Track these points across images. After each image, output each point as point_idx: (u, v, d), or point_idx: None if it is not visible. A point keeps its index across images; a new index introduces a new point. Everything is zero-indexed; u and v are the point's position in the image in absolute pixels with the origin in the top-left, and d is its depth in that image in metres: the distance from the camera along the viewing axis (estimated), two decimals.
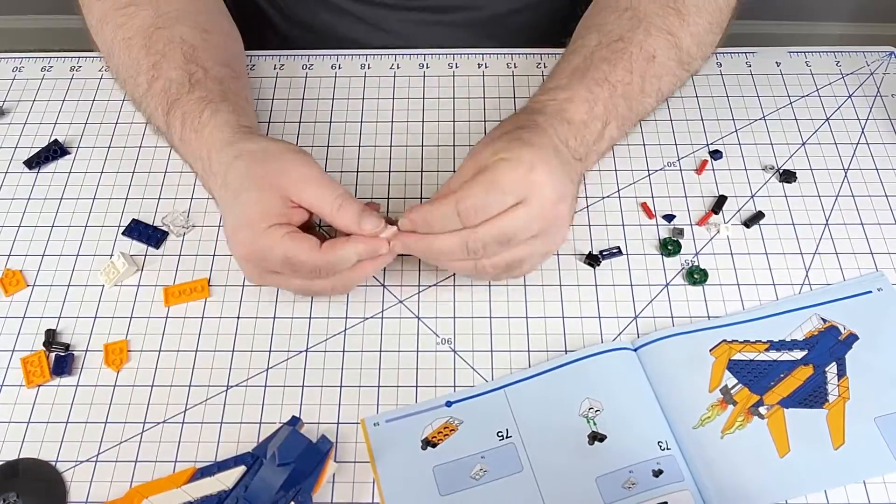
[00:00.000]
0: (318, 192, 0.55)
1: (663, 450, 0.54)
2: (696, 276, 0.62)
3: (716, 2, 0.66)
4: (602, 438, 0.54)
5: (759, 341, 0.59)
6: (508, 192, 0.52)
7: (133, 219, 0.66)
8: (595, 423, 0.55)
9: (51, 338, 0.60)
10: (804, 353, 0.58)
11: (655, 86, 0.63)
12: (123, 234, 0.65)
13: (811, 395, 0.56)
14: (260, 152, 0.56)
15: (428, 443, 0.55)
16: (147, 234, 0.65)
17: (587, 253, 0.64)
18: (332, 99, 0.74)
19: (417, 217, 0.54)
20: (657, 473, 0.53)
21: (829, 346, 0.58)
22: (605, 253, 0.64)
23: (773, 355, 0.58)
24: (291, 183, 0.54)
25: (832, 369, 0.57)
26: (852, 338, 0.59)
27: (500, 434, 0.55)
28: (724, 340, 0.59)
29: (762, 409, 0.56)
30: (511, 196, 0.52)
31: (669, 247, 0.64)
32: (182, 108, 0.60)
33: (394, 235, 0.55)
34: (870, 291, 0.61)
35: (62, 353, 0.59)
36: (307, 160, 0.56)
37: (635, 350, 0.59)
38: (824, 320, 0.60)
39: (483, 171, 0.53)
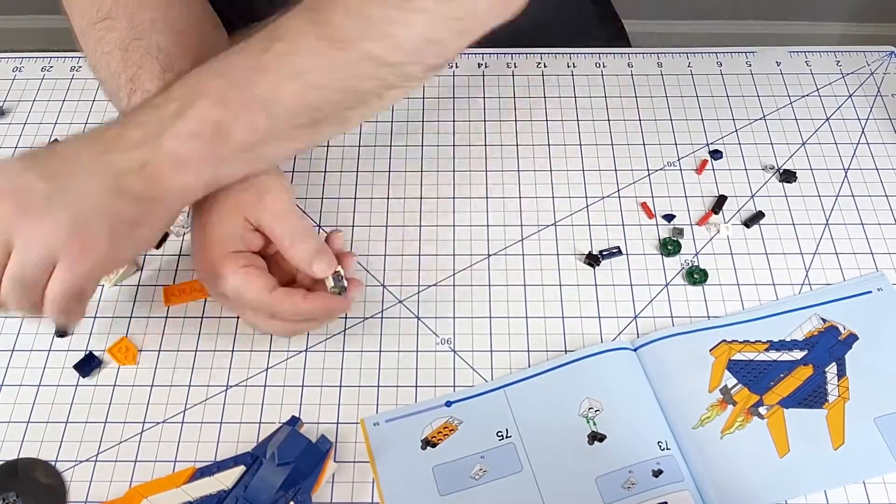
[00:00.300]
0: (276, 224, 0.54)
1: (663, 450, 0.54)
2: (695, 276, 0.62)
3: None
4: (602, 438, 0.54)
5: (759, 341, 0.59)
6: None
7: None
8: (595, 423, 0.55)
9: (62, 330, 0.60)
10: (804, 353, 0.58)
11: (285, 64, 0.52)
12: None
13: (811, 396, 0.56)
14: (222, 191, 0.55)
15: (428, 443, 0.55)
16: None
17: (587, 253, 0.64)
18: None
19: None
20: (657, 473, 0.53)
21: (829, 346, 0.58)
22: (604, 253, 0.64)
23: (773, 355, 0.58)
24: (252, 207, 0.54)
25: (832, 369, 0.57)
26: (852, 338, 0.59)
27: (499, 434, 0.55)
28: (724, 340, 0.59)
29: (762, 410, 0.56)
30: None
31: (669, 247, 0.64)
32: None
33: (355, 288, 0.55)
34: (870, 291, 0.61)
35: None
36: (273, 186, 0.55)
37: (635, 350, 0.59)
38: (824, 320, 0.60)
39: None
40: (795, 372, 0.57)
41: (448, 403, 0.57)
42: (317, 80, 0.52)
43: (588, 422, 0.55)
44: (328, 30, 0.51)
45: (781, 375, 0.57)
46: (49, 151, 0.53)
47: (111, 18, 0.64)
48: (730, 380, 0.57)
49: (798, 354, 0.58)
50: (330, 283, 0.55)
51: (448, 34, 0.53)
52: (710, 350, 0.58)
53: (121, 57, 0.62)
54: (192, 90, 0.52)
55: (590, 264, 0.63)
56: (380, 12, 0.52)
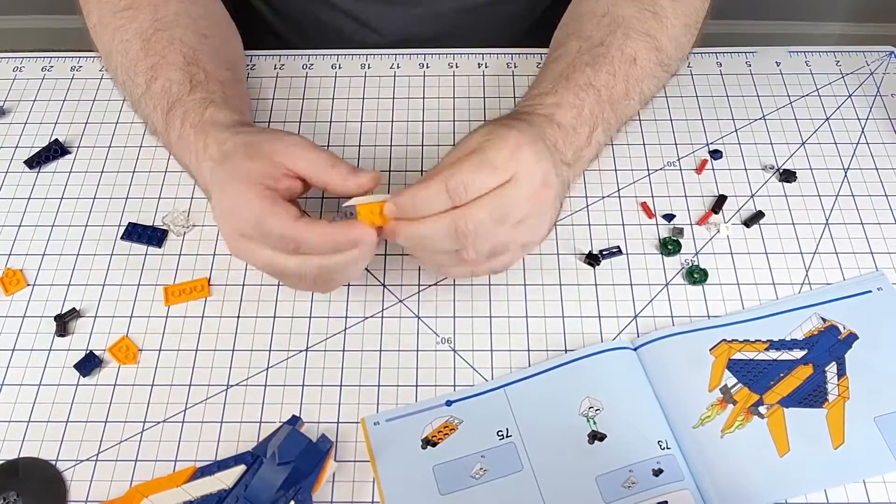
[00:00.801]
0: (311, 156, 0.53)
1: (663, 449, 0.54)
2: (695, 275, 0.62)
3: (692, 3, 0.67)
4: (602, 437, 0.54)
5: (759, 340, 0.59)
6: (499, 167, 0.51)
7: (130, 222, 0.66)
8: (595, 423, 0.55)
9: (62, 329, 0.60)
10: (804, 352, 0.58)
11: (638, 88, 0.63)
12: (122, 238, 0.65)
13: (811, 395, 0.56)
14: (257, 131, 0.56)
15: (428, 442, 0.55)
16: (147, 234, 0.65)
17: (587, 252, 0.64)
18: (332, 99, 0.74)
19: (404, 200, 0.51)
20: (657, 473, 0.53)
21: (829, 345, 0.58)
22: (604, 252, 0.64)
23: (773, 355, 0.58)
24: (285, 149, 0.53)
25: (832, 369, 0.57)
26: (852, 337, 0.59)
27: (500, 433, 0.55)
28: (724, 340, 0.59)
29: (762, 409, 0.56)
30: (501, 172, 0.51)
31: (669, 246, 0.64)
32: (183, 106, 0.60)
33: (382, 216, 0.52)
34: (869, 291, 0.61)
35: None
36: (302, 139, 0.55)
37: (635, 349, 0.59)
38: (824, 319, 0.60)
39: (472, 152, 0.52)
40: (795, 371, 0.57)
41: (448, 403, 0.57)
42: (648, 99, 0.66)
43: (588, 421, 0.55)
44: (661, 56, 0.64)
45: (781, 375, 0.57)
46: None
47: (134, 8, 0.65)
48: (730, 379, 0.57)
49: (798, 354, 0.58)
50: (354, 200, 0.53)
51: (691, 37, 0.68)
52: (710, 349, 0.58)
53: (141, 45, 0.63)
54: (596, 118, 0.60)
55: (590, 264, 0.63)
56: (686, 39, 0.67)
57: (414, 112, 0.73)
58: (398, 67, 0.77)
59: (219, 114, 0.59)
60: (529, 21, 0.86)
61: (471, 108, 0.73)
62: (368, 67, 0.77)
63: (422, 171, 0.69)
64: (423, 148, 0.71)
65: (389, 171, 0.69)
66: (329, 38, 0.82)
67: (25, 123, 0.73)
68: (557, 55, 0.64)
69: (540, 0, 0.85)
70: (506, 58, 0.77)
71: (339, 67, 0.77)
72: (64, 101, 0.75)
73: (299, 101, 0.74)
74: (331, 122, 0.73)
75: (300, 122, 0.73)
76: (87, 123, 0.73)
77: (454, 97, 0.74)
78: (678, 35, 0.66)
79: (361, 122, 0.73)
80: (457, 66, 0.77)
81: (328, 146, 0.71)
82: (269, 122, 0.73)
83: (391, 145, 0.71)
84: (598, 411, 0.55)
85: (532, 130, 0.55)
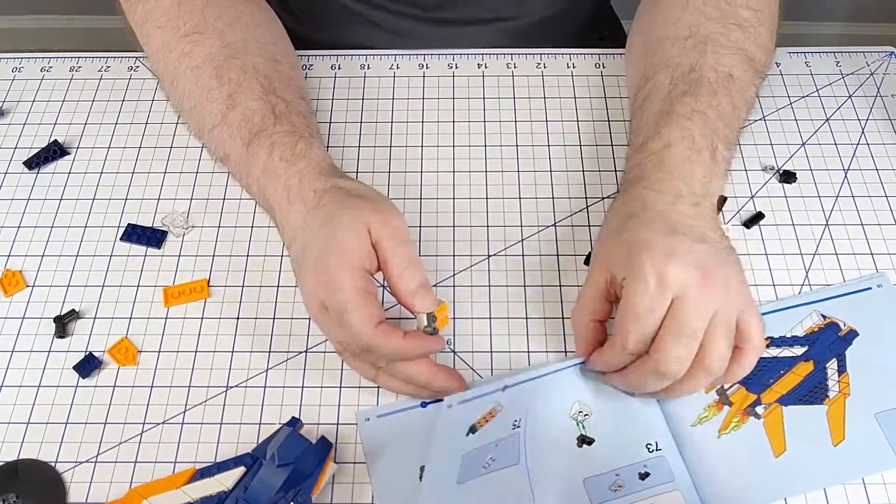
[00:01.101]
0: (396, 247, 0.53)
1: (651, 451, 0.54)
2: None
3: (770, 9, 0.68)
4: (590, 442, 0.54)
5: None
6: (655, 308, 0.51)
7: (129, 223, 0.66)
8: (584, 427, 0.55)
9: (61, 330, 0.60)
10: (804, 348, 0.58)
11: (742, 98, 0.62)
12: (122, 239, 0.65)
13: (811, 392, 0.56)
14: (356, 190, 0.56)
15: (472, 429, 0.55)
16: (146, 235, 0.65)
17: (587, 254, 0.64)
18: (332, 99, 0.74)
19: (598, 365, 0.55)
20: (643, 476, 0.53)
21: (830, 342, 0.58)
22: None
23: (773, 352, 0.58)
24: (380, 227, 0.53)
25: (832, 365, 0.57)
26: (852, 334, 0.59)
27: (515, 423, 0.55)
28: None
29: (759, 409, 0.56)
30: (658, 309, 0.51)
31: None
32: (270, 138, 0.59)
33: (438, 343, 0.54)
34: (869, 288, 0.61)
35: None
36: (397, 213, 0.56)
37: None
38: (824, 317, 0.60)
39: (625, 307, 0.52)
40: (796, 368, 0.58)
41: (449, 405, 0.56)
42: (748, 99, 0.64)
43: (577, 425, 0.55)
44: (755, 65, 0.64)
45: (782, 372, 0.57)
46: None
47: (200, 33, 0.64)
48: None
49: (798, 350, 0.58)
50: (423, 321, 0.53)
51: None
52: None
53: (213, 73, 0.62)
54: (711, 138, 0.59)
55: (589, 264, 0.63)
56: (772, 45, 0.68)
57: (414, 112, 0.73)
58: (398, 68, 0.77)
59: (310, 151, 0.59)
60: (567, 33, 0.87)
61: (470, 108, 0.73)
62: (368, 68, 0.77)
63: (421, 171, 0.69)
64: (423, 148, 0.71)
65: (389, 171, 0.69)
66: (342, 31, 0.83)
67: (24, 124, 0.73)
68: (648, 92, 0.63)
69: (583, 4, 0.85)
70: (505, 58, 0.77)
71: (339, 68, 0.77)
72: (63, 101, 0.75)
73: None
74: (330, 122, 0.73)
75: None
76: (86, 124, 0.73)
77: (454, 97, 0.74)
78: (765, 42, 0.66)
79: (361, 122, 0.73)
80: (456, 67, 0.77)
81: (328, 146, 0.71)
82: None
83: (391, 146, 0.71)
84: (586, 416, 0.55)
85: (657, 227, 0.53)
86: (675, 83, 0.62)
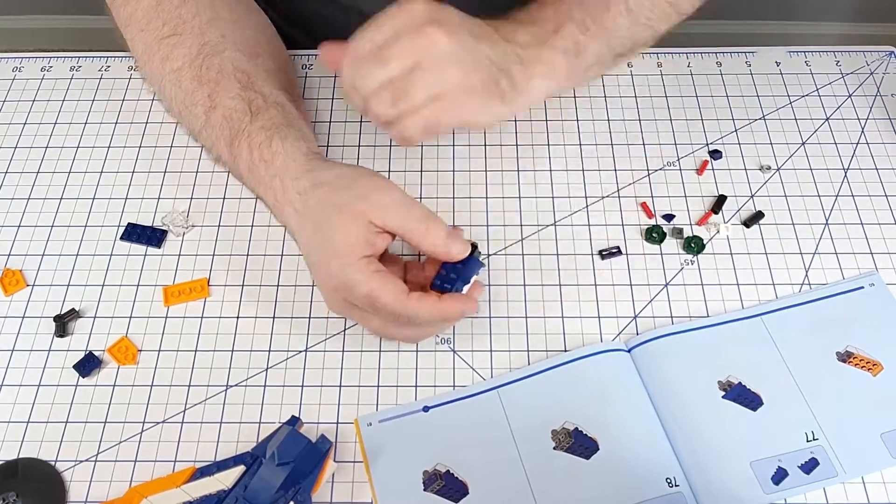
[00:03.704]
0: (403, 214, 0.54)
1: (671, 486, 0.53)
2: (692, 245, 0.63)
3: None
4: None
5: None
6: (387, 16, 0.55)
7: (129, 222, 0.66)
8: (569, 439, 0.55)
9: (61, 330, 0.60)
10: None
11: (620, 1, 0.62)
12: (122, 238, 0.65)
13: None
14: (337, 179, 0.56)
15: None
16: (146, 234, 0.65)
17: (602, 251, 0.64)
18: (332, 99, 0.74)
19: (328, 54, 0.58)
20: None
21: None
22: (604, 252, 0.64)
23: None
24: (374, 208, 0.54)
25: None
26: None
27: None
28: None
29: None
30: (385, 23, 0.55)
31: (654, 234, 0.64)
32: (248, 138, 0.59)
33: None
34: (862, 287, 0.62)
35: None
36: (385, 184, 0.56)
37: (629, 351, 0.59)
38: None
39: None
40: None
41: (425, 408, 0.56)
42: (648, 21, 0.64)
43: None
44: None
45: None
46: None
47: (178, 34, 0.64)
48: None
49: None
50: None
51: None
52: None
53: (193, 74, 0.63)
54: (562, 16, 0.61)
55: (608, 256, 0.64)
56: None
57: None
58: None
59: (284, 145, 0.59)
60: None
61: None
62: None
63: (421, 171, 0.69)
64: (424, 148, 0.71)
65: (389, 171, 0.69)
66: (339, 36, 0.82)
67: (25, 124, 0.73)
68: None
69: None
70: None
71: None
72: (63, 101, 0.75)
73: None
74: (330, 122, 0.73)
75: None
76: (86, 124, 0.73)
77: None
78: None
79: (361, 122, 0.73)
80: None
81: (328, 146, 0.71)
82: None
83: (391, 146, 0.71)
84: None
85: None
86: None
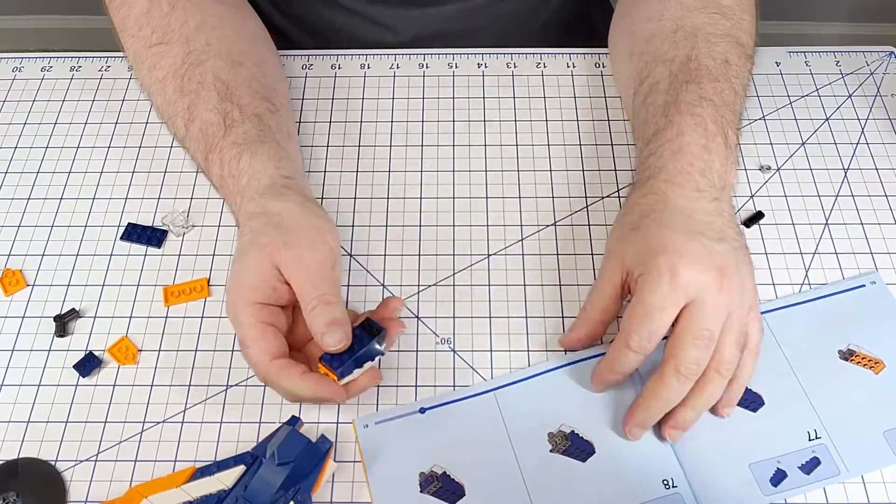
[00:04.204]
0: (305, 284, 0.53)
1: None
2: None
3: None
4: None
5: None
6: (666, 307, 0.51)
7: (129, 222, 0.66)
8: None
9: (61, 329, 0.60)
10: None
11: (740, 84, 0.63)
12: (122, 238, 0.65)
13: None
14: (277, 217, 0.55)
15: None
16: (147, 234, 0.65)
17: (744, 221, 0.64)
18: (332, 99, 0.74)
19: (601, 378, 0.55)
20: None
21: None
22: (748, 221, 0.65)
23: None
24: (287, 259, 0.53)
25: None
26: None
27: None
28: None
29: None
30: (670, 308, 0.51)
31: None
32: (220, 153, 0.59)
33: (340, 392, 0.53)
34: (863, 286, 0.62)
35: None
36: (318, 245, 0.54)
37: None
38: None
39: (636, 303, 0.52)
40: None
41: (422, 410, 0.56)
42: (745, 83, 0.64)
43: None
44: (745, 50, 0.65)
45: None
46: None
47: (165, 43, 0.64)
48: None
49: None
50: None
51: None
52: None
53: (176, 85, 0.62)
54: (721, 124, 0.59)
55: (752, 222, 0.65)
56: (755, 29, 0.67)
57: (414, 112, 0.73)
58: (398, 67, 0.77)
59: (253, 163, 0.58)
60: (541, 21, 0.86)
61: (470, 108, 0.73)
62: (368, 67, 0.77)
63: (421, 171, 0.69)
64: (423, 148, 0.71)
65: (389, 171, 0.69)
66: (341, 38, 0.82)
67: (25, 124, 0.73)
68: (649, 87, 0.63)
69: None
70: (506, 58, 0.77)
71: (339, 67, 0.77)
72: (63, 101, 0.75)
73: (299, 102, 0.74)
74: (330, 122, 0.73)
75: (300, 122, 0.73)
76: (86, 124, 0.73)
77: (454, 97, 0.74)
78: (749, 27, 0.66)
79: (361, 122, 0.73)
80: (457, 67, 0.77)
81: (328, 146, 0.71)
82: None
83: (391, 145, 0.71)
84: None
85: (675, 225, 0.54)
86: (675, 74, 0.62)
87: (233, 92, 0.62)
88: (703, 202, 0.55)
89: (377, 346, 0.54)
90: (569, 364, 0.58)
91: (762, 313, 0.60)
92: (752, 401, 0.56)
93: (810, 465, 0.54)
